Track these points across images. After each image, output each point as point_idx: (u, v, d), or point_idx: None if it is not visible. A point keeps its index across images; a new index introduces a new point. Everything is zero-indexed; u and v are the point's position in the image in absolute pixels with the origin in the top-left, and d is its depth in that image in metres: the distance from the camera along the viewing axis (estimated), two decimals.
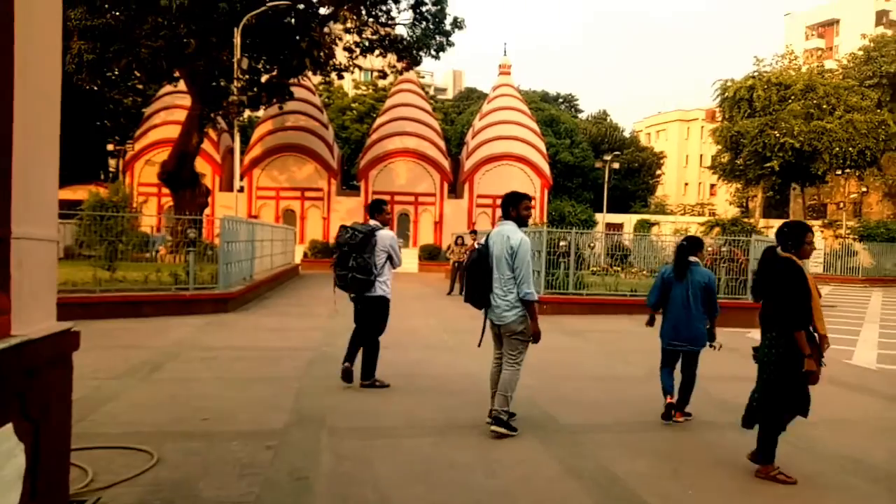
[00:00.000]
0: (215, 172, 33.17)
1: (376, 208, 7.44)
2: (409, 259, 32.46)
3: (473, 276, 5.71)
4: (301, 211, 33.71)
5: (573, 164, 45.44)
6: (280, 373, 7.69)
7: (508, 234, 5.50)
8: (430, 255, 32.37)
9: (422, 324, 12.50)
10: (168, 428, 5.43)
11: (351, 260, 6.96)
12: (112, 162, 42.51)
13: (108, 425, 5.47)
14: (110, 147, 32.34)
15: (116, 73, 19.79)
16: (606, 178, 36.14)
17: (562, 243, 15.61)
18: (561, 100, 62.01)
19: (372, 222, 7.35)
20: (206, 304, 13.12)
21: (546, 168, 35.22)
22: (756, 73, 44.98)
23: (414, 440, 5.34)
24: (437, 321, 12.90)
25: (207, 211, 28.36)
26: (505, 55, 37.79)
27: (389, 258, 7.31)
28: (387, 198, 33.42)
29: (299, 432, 5.38)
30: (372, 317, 7.31)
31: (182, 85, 26.27)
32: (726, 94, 44.72)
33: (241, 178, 33.79)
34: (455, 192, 35.65)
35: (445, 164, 34.55)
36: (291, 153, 33.62)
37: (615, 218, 40.10)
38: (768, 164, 41.16)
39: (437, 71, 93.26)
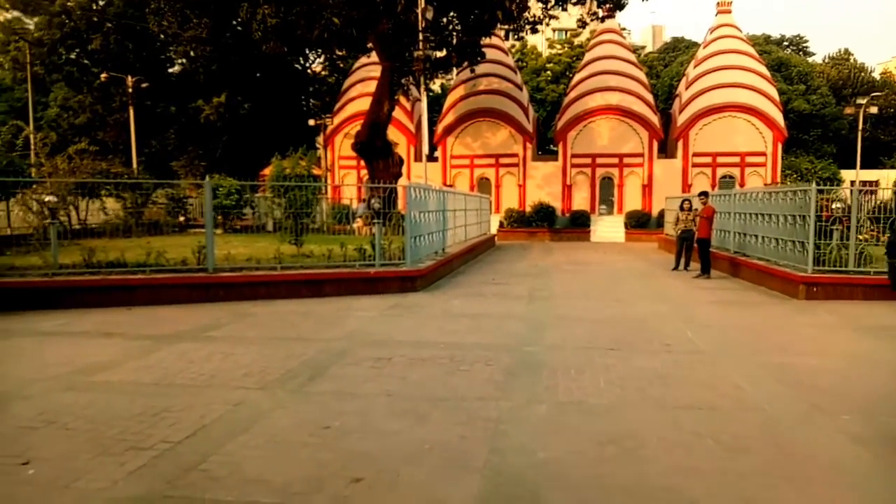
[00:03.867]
0: (410, 142, 32.46)
1: None
2: (615, 226, 29.29)
3: None
4: (496, 178, 31.90)
5: (809, 112, 38.49)
6: (468, 390, 5.59)
7: None
8: (639, 222, 28.91)
9: (650, 311, 9.78)
10: (301, 496, 3.54)
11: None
12: (320, 139, 44.35)
13: (223, 483, 3.72)
14: (311, 123, 32.97)
15: (302, 37, 19.05)
16: (860, 127, 29.60)
17: (834, 205, 11.84)
18: (786, 42, 53.48)
19: None
20: (392, 282, 11.59)
21: (779, 118, 29.66)
22: None
23: None
24: (670, 308, 10.08)
25: (403, 181, 27.65)
26: None
27: None
28: (587, 160, 30.82)
29: None
30: None
31: (376, 56, 25.52)
32: None
33: (435, 148, 32.82)
34: (665, 151, 31.51)
35: (654, 119, 30.51)
36: (485, 118, 31.79)
37: (867, 175, 33.14)
38: None
39: (634, 28, 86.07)
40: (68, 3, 30.04)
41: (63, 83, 33.99)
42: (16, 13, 32.80)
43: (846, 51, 48.55)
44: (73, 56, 32.59)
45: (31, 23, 32.59)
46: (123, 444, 4.28)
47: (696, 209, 15.18)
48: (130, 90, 27.06)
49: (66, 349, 7.12)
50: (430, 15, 16.43)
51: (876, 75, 49.59)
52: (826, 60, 49.21)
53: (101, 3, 31.60)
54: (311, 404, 5.19)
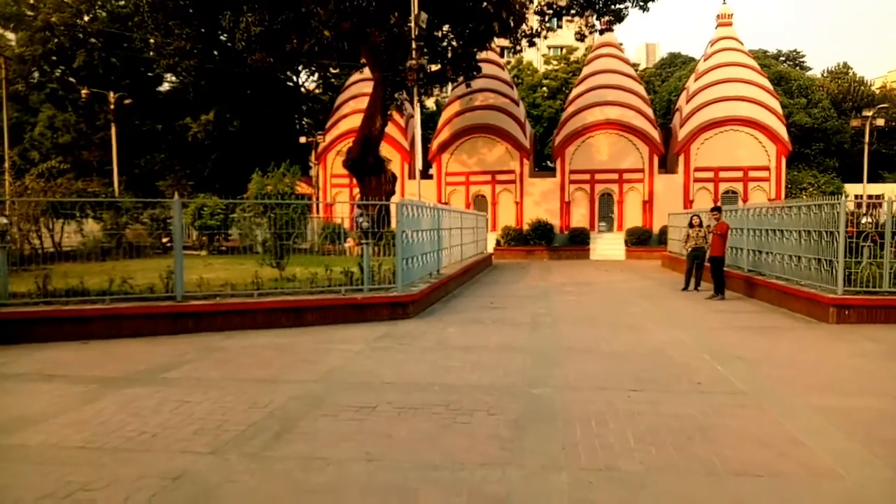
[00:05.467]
0: (404, 159, 31.58)
1: None
2: (615, 244, 28.35)
3: None
4: (492, 196, 30.97)
5: (811, 126, 37.82)
6: (468, 451, 4.54)
7: None
8: (640, 239, 28.02)
9: (668, 339, 8.76)
10: None
11: None
12: (313, 157, 43.52)
13: None
14: (302, 140, 32.05)
15: (292, 50, 18.17)
16: (867, 139, 28.83)
17: (864, 220, 10.89)
18: (783, 57, 53.02)
19: None
20: (382, 308, 10.56)
21: (783, 132, 28.90)
22: None
23: None
24: (690, 336, 9.06)
25: (396, 198, 26.68)
26: (724, 3, 31.79)
27: None
28: (586, 176, 29.93)
29: None
30: None
31: (369, 72, 24.69)
32: None
33: (430, 165, 31.93)
34: (665, 166, 30.67)
35: (654, 134, 29.72)
36: (481, 134, 30.96)
37: (872, 188, 32.29)
38: None
39: (628, 46, 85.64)
40: (51, 19, 29.20)
41: (47, 102, 33.08)
42: None
43: (845, 64, 48.06)
44: (57, 73, 31.70)
45: (12, 39, 31.71)
46: None
47: (709, 225, 14.23)
48: (112, 107, 26.10)
49: None
50: (423, 22, 15.53)
51: (874, 89, 49.11)
52: (825, 74, 48.73)
53: (86, 18, 30.76)
54: (271, 476, 4.13)
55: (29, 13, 30.02)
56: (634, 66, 67.60)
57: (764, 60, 42.60)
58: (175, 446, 4.64)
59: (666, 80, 48.89)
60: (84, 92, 25.97)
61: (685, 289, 14.67)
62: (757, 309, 11.91)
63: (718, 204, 16.16)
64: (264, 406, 5.62)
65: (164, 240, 23.03)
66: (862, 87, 45.11)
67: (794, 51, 54.27)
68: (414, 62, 15.72)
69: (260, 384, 6.42)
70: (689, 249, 14.71)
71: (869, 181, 35.95)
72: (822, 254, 10.54)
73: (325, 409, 5.56)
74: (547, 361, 7.43)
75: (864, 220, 10.90)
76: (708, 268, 14.30)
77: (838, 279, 10.00)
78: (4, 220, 9.18)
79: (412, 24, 15.49)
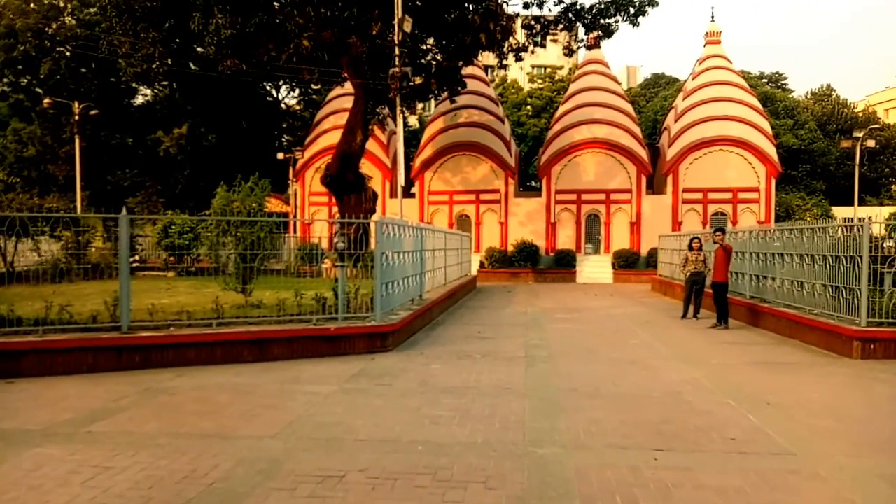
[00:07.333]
0: (385, 177, 30.60)
1: None
2: (602, 266, 27.47)
3: None
4: (476, 216, 30.02)
5: (798, 148, 37.49)
6: None
7: None
8: (627, 262, 27.16)
9: (680, 378, 7.74)
10: None
11: None
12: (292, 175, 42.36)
13: None
14: (280, 156, 30.89)
15: (269, 61, 17.17)
16: (857, 161, 28.36)
17: (887, 244, 10.03)
18: (765, 79, 53.09)
19: None
20: (358, 340, 9.44)
21: (773, 153, 28.38)
22: None
23: None
24: (704, 374, 8.04)
25: (377, 217, 25.62)
26: (713, 20, 31.46)
27: None
28: (572, 196, 29.09)
29: None
30: None
31: (350, 87, 23.73)
32: None
33: (413, 183, 30.99)
34: (653, 187, 29.98)
35: (643, 153, 29.04)
36: (465, 152, 30.07)
37: (863, 211, 31.85)
38: None
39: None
40: (16, 25, 27.84)
41: (14, 115, 31.63)
42: None
43: (829, 87, 48.13)
44: (23, 82, 30.32)
45: None
46: None
47: (717, 244, 13.25)
48: (77, 118, 24.77)
49: None
50: (407, 27, 14.59)
51: (857, 112, 49.21)
52: (808, 96, 48.76)
53: (53, 25, 29.43)
54: None
55: None
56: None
57: (749, 81, 42.44)
58: None
59: (651, 100, 48.60)
60: (46, 101, 24.60)
61: (684, 316, 13.71)
62: (767, 340, 10.97)
63: (718, 226, 15.36)
64: (204, 475, 4.49)
65: (135, 258, 21.71)
66: (845, 110, 45.10)
67: (777, 73, 54.34)
68: (397, 70, 14.75)
69: (205, 441, 5.26)
70: (688, 274, 13.79)
71: (851, 202, 35.66)
72: (840, 281, 9.64)
73: (281, 478, 4.43)
74: (550, 408, 6.36)
75: (887, 244, 10.03)
76: (708, 294, 13.40)
77: (861, 310, 9.08)
78: None
79: (395, 31, 14.54)
